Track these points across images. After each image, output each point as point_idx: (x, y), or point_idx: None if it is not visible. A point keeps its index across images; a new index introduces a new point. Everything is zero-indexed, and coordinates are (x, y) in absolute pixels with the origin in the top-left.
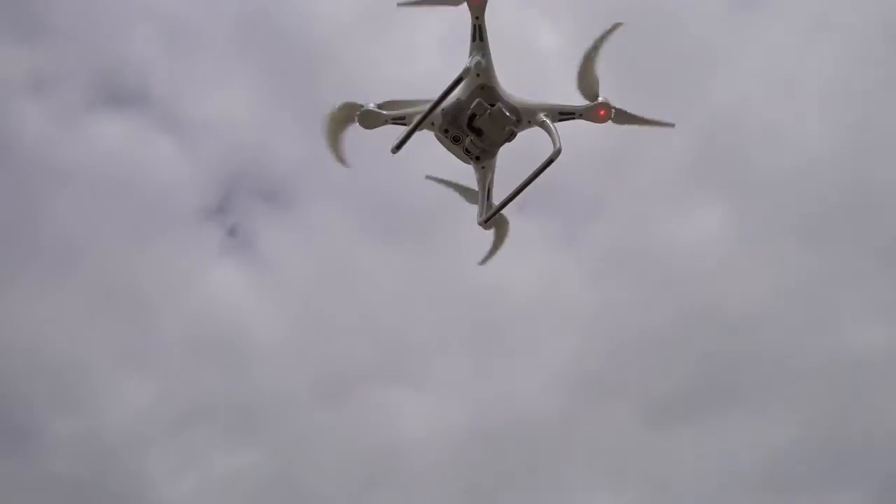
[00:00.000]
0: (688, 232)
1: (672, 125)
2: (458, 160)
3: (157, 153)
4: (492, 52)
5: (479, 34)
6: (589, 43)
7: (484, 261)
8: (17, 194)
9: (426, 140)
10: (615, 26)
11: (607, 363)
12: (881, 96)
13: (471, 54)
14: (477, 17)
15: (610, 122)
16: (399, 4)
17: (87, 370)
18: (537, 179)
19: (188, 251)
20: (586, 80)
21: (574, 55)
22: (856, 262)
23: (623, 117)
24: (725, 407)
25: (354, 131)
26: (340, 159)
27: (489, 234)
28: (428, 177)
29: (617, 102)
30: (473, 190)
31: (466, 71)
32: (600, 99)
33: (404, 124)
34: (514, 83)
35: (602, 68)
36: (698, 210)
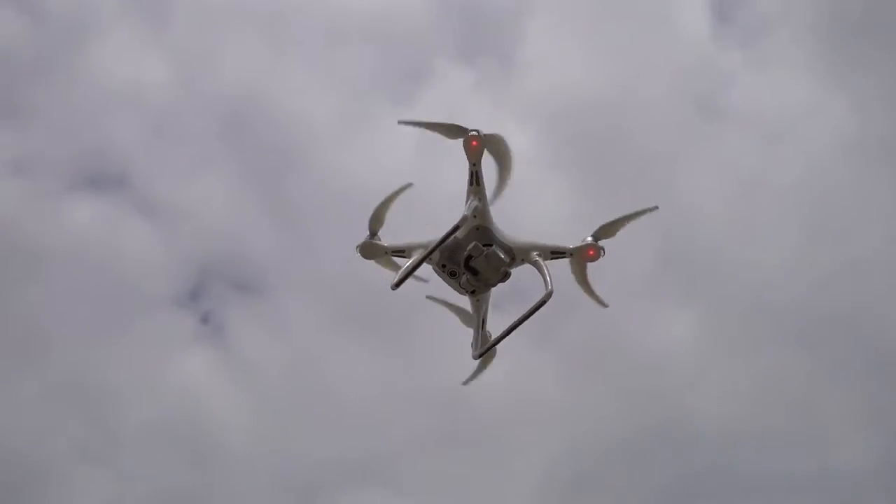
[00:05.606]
0: (658, 337)
1: (655, 208)
2: (454, 291)
3: (132, 237)
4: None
5: (475, 179)
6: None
7: (467, 381)
8: None
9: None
10: (651, 209)
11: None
12: (839, 200)
13: (468, 198)
14: (474, 164)
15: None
16: (399, 122)
17: (46, 462)
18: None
19: (160, 338)
20: (607, 231)
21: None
22: (835, 365)
23: (610, 232)
24: None
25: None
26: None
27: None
28: (429, 297)
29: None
30: (470, 313)
31: (464, 219)
32: (588, 239)
33: (403, 257)
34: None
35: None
36: (668, 314)
